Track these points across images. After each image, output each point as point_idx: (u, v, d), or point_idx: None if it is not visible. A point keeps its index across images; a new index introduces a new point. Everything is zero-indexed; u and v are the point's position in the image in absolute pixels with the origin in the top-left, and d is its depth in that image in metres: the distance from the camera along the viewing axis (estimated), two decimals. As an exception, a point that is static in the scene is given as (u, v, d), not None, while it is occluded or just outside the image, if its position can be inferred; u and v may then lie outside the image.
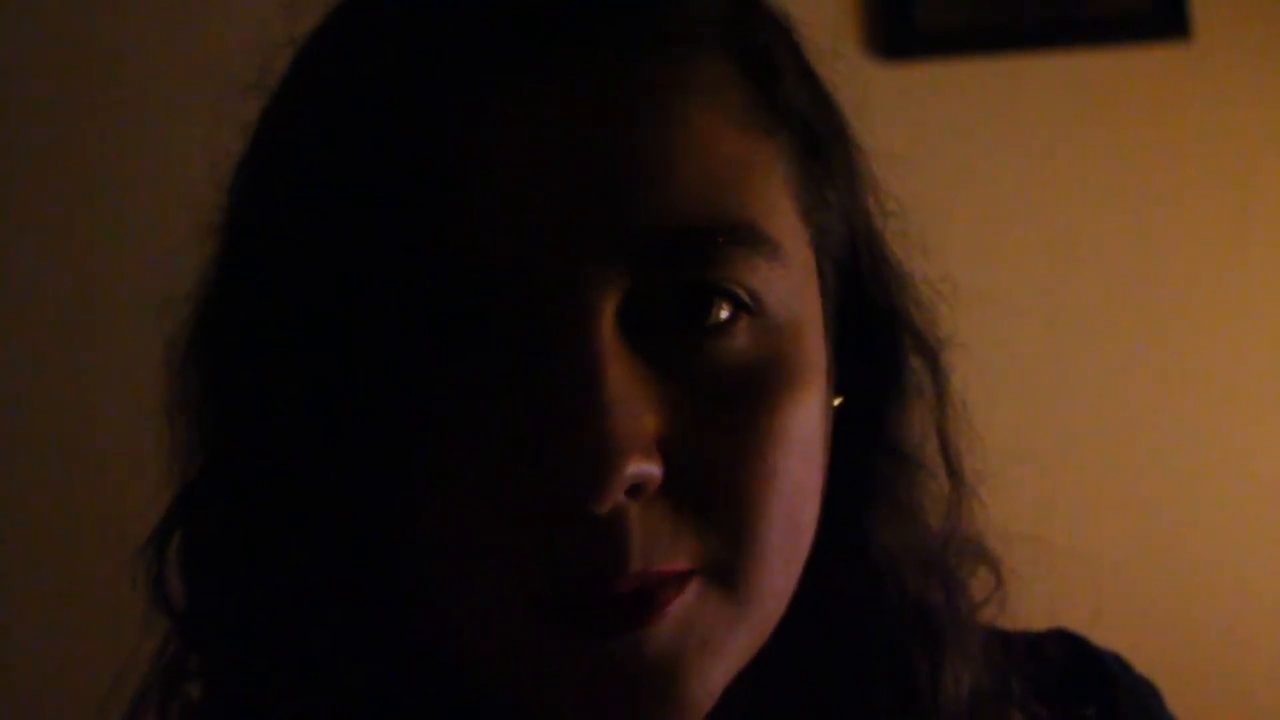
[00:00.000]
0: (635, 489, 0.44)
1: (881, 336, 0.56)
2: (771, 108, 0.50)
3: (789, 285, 0.49)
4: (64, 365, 1.43)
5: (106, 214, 1.45)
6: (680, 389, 0.46)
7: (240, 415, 0.50)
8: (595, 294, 0.45)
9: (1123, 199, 1.64)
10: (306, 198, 0.48)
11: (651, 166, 0.46)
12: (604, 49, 0.46)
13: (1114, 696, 0.64)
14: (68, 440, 1.42)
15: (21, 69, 1.47)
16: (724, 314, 0.47)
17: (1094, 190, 1.63)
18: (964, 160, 1.57)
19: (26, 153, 1.46)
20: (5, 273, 1.44)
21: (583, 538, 0.45)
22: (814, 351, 0.50)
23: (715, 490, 0.46)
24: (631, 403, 0.44)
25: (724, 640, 0.48)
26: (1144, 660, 0.67)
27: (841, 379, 0.54)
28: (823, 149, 0.53)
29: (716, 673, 0.48)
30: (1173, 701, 0.67)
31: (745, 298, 0.47)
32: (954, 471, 0.59)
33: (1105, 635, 0.68)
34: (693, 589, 0.46)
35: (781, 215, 0.49)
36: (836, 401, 0.54)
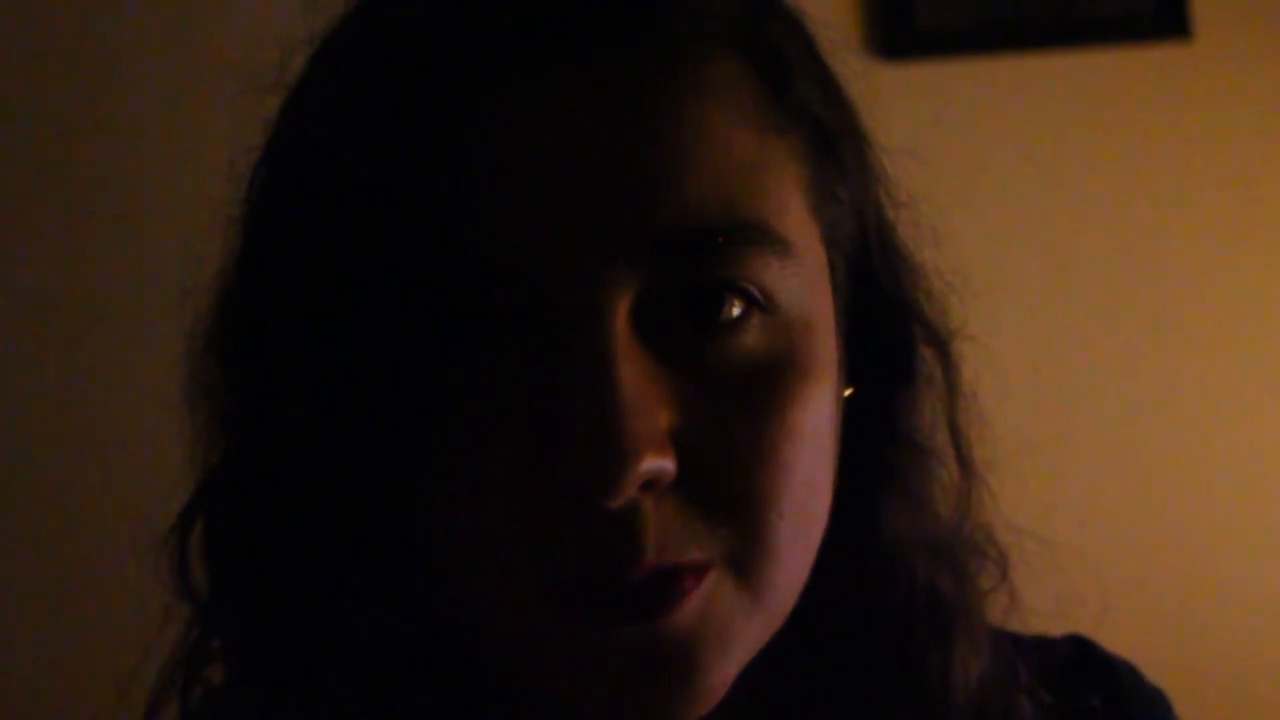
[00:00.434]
0: (649, 484, 0.45)
1: (893, 328, 0.57)
2: (783, 107, 0.51)
3: (800, 282, 0.49)
4: (83, 359, 1.44)
5: (124, 208, 1.45)
6: (693, 385, 0.47)
7: (260, 406, 0.51)
8: (608, 293, 0.46)
9: (1123, 199, 1.64)
10: (324, 194, 0.48)
11: (665, 169, 0.46)
12: (618, 51, 0.47)
13: (1120, 693, 0.65)
14: (88, 432, 1.42)
15: (26, 66, 1.47)
16: (736, 311, 0.48)
17: (1094, 190, 1.64)
18: (964, 160, 1.58)
19: (37, 150, 1.46)
20: (22, 266, 1.45)
21: (598, 531, 0.45)
22: (825, 346, 0.51)
23: (728, 484, 0.47)
24: (644, 400, 0.45)
25: (738, 630, 0.48)
26: (1148, 658, 0.68)
27: (853, 370, 0.55)
28: (834, 145, 0.53)
29: (731, 662, 0.48)
30: (1177, 700, 0.67)
31: (758, 295, 0.48)
32: (964, 461, 0.59)
33: (1109, 633, 0.69)
34: (709, 579, 0.47)
35: (793, 213, 0.50)
36: (848, 392, 0.55)
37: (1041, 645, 0.64)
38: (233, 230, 0.53)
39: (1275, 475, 1.62)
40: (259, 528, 0.51)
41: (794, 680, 0.57)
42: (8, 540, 1.42)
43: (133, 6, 1.47)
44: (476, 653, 0.50)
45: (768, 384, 0.48)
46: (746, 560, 0.48)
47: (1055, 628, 0.68)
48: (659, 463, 0.45)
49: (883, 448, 0.57)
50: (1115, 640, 0.68)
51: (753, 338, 0.48)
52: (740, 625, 0.48)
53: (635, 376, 0.45)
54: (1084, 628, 0.69)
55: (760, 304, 0.48)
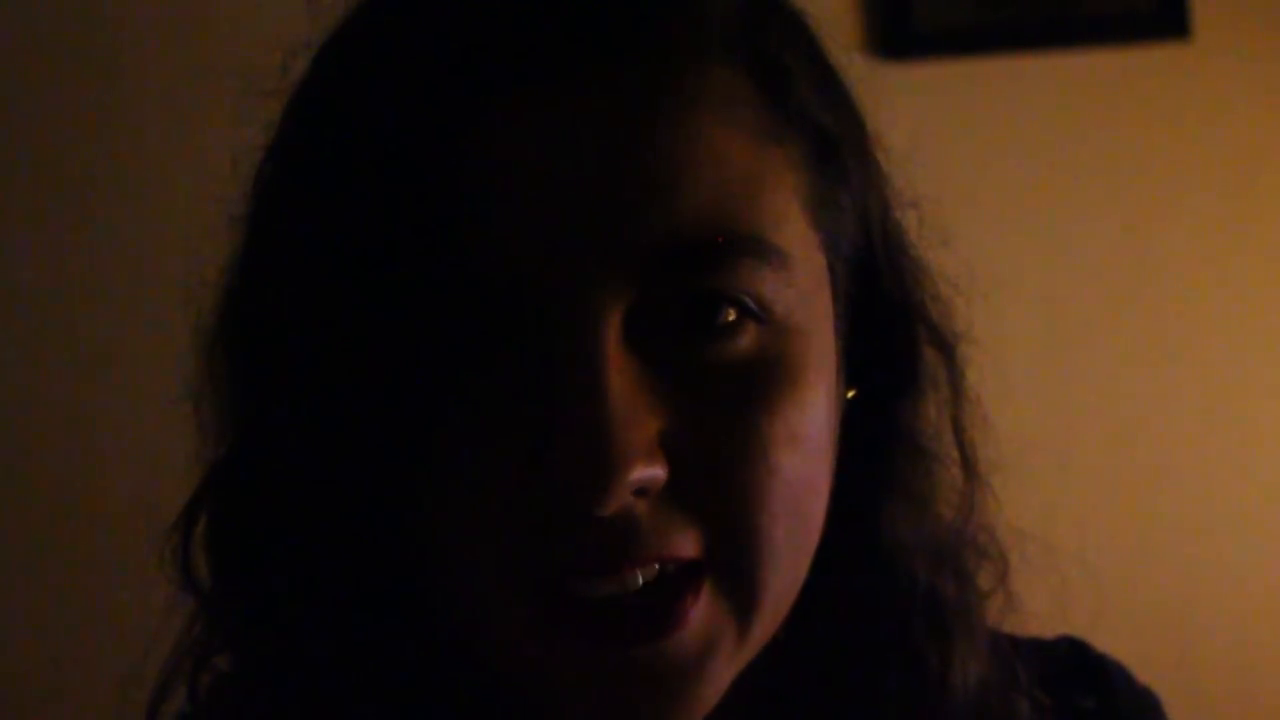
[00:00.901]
0: (640, 491, 0.46)
1: (896, 330, 0.57)
2: (783, 115, 0.50)
3: (797, 291, 0.49)
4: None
5: (128, 205, 1.45)
6: (685, 390, 0.47)
7: (262, 403, 0.51)
8: (600, 303, 0.46)
9: (1123, 199, 1.64)
10: (324, 196, 0.48)
11: (660, 181, 0.46)
12: (615, 62, 0.47)
13: (1114, 694, 0.65)
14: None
15: (29, 64, 1.47)
16: (730, 318, 0.48)
17: (1094, 190, 1.64)
18: (964, 160, 1.58)
19: (41, 149, 1.46)
20: (27, 263, 1.45)
21: (591, 535, 0.46)
22: (821, 351, 0.51)
23: (719, 487, 0.47)
24: (634, 408, 0.45)
25: (733, 639, 0.49)
26: (1143, 661, 0.68)
27: (856, 372, 0.55)
28: (836, 151, 0.53)
29: (726, 670, 0.49)
30: (1176, 700, 0.68)
31: (753, 306, 0.48)
32: (968, 463, 0.59)
33: (1105, 636, 0.69)
34: (707, 593, 0.48)
35: (790, 223, 0.50)
36: (850, 394, 0.55)
37: (1037, 647, 0.65)
38: (236, 228, 0.53)
39: (1276, 475, 1.62)
40: (261, 522, 0.51)
41: (794, 681, 0.57)
42: (13, 535, 1.42)
43: (137, 6, 1.47)
44: (473, 651, 0.51)
45: (760, 388, 0.48)
46: (739, 564, 0.48)
47: (1054, 628, 0.68)
48: (648, 471, 0.45)
49: (885, 450, 0.57)
50: (1114, 640, 0.68)
51: (746, 344, 0.48)
52: (735, 632, 0.49)
53: (626, 385, 0.45)
54: (1082, 628, 0.69)
55: (755, 314, 0.48)
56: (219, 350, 0.54)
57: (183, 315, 0.55)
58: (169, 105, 1.45)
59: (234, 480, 0.53)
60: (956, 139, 1.58)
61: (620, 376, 0.45)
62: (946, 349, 0.58)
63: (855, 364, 0.55)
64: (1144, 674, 0.67)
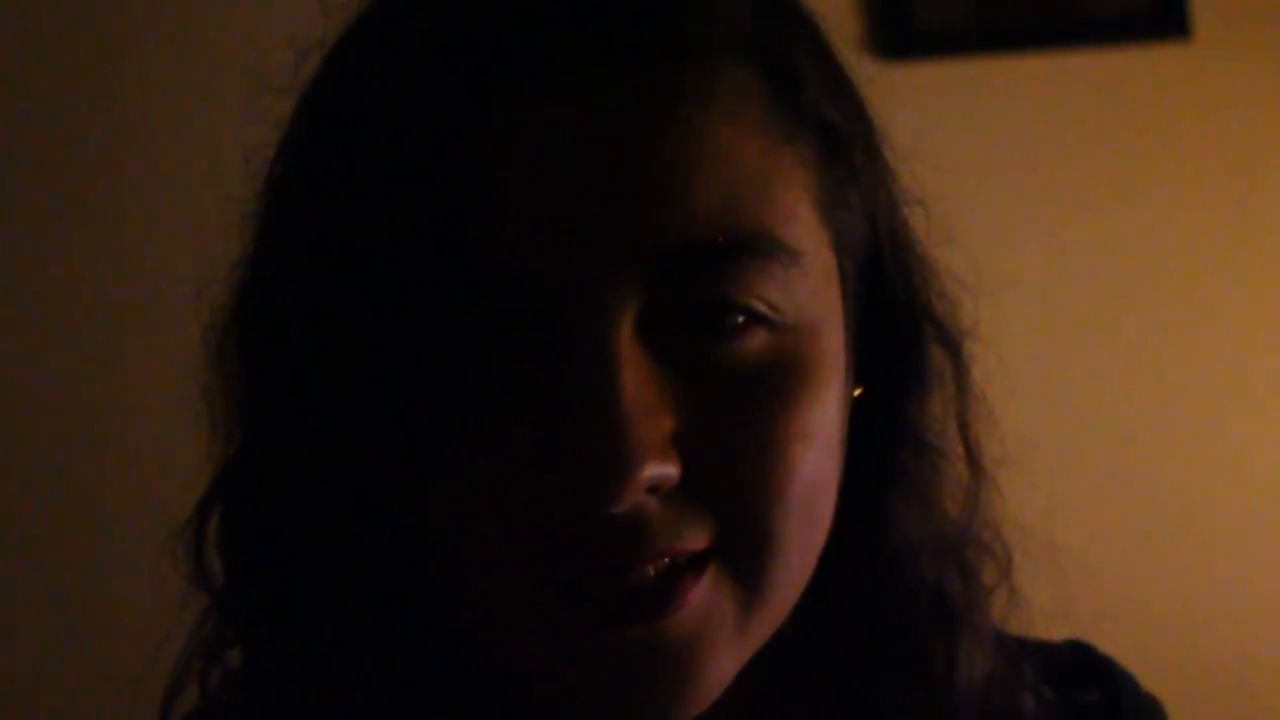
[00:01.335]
0: (653, 488, 0.46)
1: (904, 328, 0.57)
2: (793, 114, 0.51)
3: (807, 290, 0.50)
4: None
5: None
6: (697, 389, 0.48)
7: (274, 400, 0.51)
8: (612, 301, 0.46)
9: (1123, 199, 1.64)
10: (335, 193, 0.49)
11: (671, 181, 0.46)
12: (628, 61, 0.47)
13: (1119, 699, 0.65)
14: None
15: (35, 62, 1.47)
16: (741, 318, 0.48)
17: (1094, 190, 1.64)
18: (964, 160, 1.57)
19: (47, 147, 1.46)
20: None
21: (603, 532, 0.46)
22: (831, 349, 0.51)
23: (730, 484, 0.48)
24: (647, 406, 0.46)
25: (738, 630, 0.49)
26: (1148, 658, 0.68)
27: (864, 369, 0.55)
28: (845, 150, 0.53)
29: (730, 660, 0.49)
30: (1178, 701, 0.68)
31: (763, 309, 0.48)
32: (973, 461, 0.60)
33: (1110, 633, 0.69)
34: (710, 578, 0.48)
35: (800, 221, 0.50)
36: (857, 392, 0.55)
37: (1043, 649, 0.65)
38: (247, 226, 0.54)
39: (1276, 475, 1.63)
40: (273, 519, 0.51)
41: (800, 676, 0.58)
42: (24, 533, 1.42)
43: (143, 4, 1.48)
44: (480, 645, 0.51)
45: (771, 387, 0.49)
46: (748, 560, 0.48)
47: (1055, 625, 0.68)
48: (662, 469, 0.46)
49: (892, 447, 0.57)
50: (1116, 640, 0.68)
51: (757, 343, 0.48)
52: (740, 624, 0.49)
53: (639, 383, 0.46)
54: (1085, 626, 0.69)
55: (765, 314, 0.48)
56: (230, 348, 0.54)
57: (194, 313, 0.55)
58: (181, 103, 1.45)
59: (245, 477, 0.53)
60: (956, 139, 1.58)
61: (633, 374, 0.46)
62: (953, 347, 0.59)
63: (862, 361, 0.55)
64: (1144, 671, 0.68)
